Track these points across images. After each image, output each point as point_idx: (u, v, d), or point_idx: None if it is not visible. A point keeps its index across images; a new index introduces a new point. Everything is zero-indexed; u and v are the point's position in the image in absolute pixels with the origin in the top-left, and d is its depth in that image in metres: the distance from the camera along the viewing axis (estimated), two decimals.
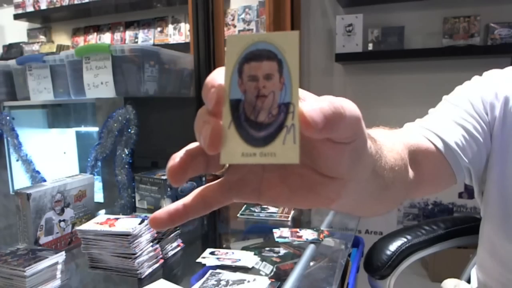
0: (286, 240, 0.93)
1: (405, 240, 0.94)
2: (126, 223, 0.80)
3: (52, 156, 1.59)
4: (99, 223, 0.82)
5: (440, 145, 0.56)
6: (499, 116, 0.60)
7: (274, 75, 0.24)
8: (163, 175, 1.15)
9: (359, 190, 0.32)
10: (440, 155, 0.57)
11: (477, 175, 0.62)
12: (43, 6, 2.92)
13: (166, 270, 0.81)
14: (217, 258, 0.83)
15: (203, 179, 1.26)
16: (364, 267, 0.95)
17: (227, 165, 0.30)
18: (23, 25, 3.19)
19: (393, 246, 0.93)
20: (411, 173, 0.49)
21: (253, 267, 0.80)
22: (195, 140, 0.27)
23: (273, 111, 0.24)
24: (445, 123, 0.59)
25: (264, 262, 0.82)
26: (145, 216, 0.86)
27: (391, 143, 0.44)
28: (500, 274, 0.65)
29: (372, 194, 0.37)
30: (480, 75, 0.66)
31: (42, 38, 3.12)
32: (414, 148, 0.53)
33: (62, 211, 0.92)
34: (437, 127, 0.58)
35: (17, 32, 3.22)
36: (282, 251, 0.88)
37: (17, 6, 3.02)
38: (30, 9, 2.98)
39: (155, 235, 0.82)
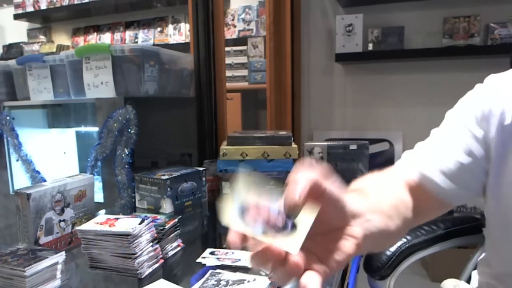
0: None
1: (405, 240, 0.94)
2: (126, 223, 0.80)
3: (52, 156, 1.59)
4: (99, 223, 0.82)
5: (425, 179, 0.59)
6: (497, 130, 0.59)
7: None
8: (163, 175, 1.15)
9: (371, 242, 0.43)
10: (423, 188, 0.59)
11: (478, 194, 0.62)
12: (43, 6, 2.92)
13: (166, 270, 0.81)
14: (217, 258, 0.83)
15: (203, 179, 1.26)
16: (364, 268, 0.95)
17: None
18: (23, 25, 3.20)
19: (393, 246, 0.93)
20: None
21: (253, 267, 0.79)
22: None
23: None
24: (434, 154, 0.61)
25: None
26: (145, 216, 0.86)
27: (390, 194, 0.54)
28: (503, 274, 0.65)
29: (381, 240, 0.49)
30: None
31: (42, 38, 3.12)
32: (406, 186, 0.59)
33: (62, 211, 0.92)
34: (423, 160, 0.61)
35: (17, 32, 3.22)
36: None
37: (17, 6, 3.02)
38: (30, 9, 2.99)
39: (155, 235, 0.82)
